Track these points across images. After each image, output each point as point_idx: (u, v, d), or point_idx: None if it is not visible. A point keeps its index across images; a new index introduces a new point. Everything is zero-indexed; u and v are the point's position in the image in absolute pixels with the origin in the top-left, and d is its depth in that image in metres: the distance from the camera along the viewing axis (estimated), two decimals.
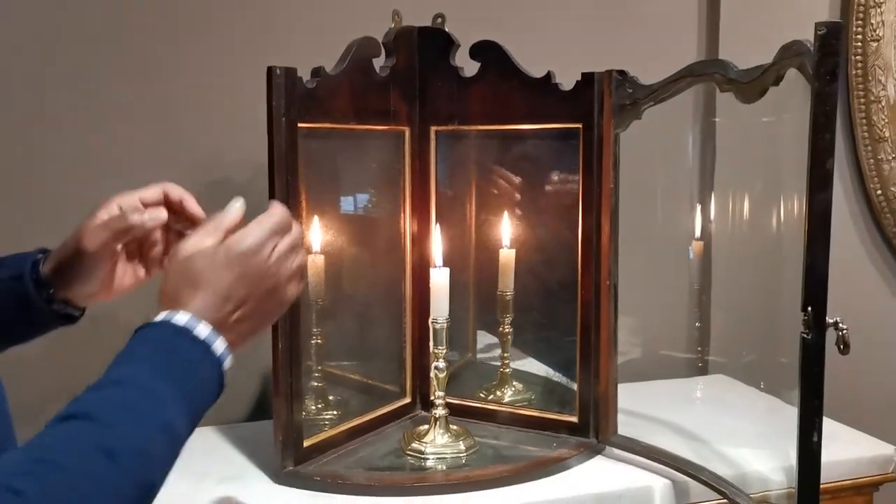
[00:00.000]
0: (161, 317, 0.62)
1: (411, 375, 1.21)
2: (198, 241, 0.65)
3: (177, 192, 0.78)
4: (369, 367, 1.23)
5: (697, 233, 1.32)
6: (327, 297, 1.14)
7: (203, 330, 0.61)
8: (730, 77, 0.87)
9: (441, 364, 1.06)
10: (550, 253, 1.17)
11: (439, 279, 1.05)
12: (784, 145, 0.94)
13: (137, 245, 0.79)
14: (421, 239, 1.19)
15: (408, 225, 1.18)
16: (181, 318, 0.61)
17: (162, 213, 0.76)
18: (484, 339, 1.32)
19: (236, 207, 0.68)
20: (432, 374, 1.07)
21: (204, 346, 0.61)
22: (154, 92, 1.21)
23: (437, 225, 1.13)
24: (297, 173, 0.98)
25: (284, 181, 0.97)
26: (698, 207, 1.29)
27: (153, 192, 0.77)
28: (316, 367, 1.16)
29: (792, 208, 0.87)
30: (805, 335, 0.72)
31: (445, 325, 1.06)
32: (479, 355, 1.34)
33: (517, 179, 1.16)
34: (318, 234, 1.11)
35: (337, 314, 1.17)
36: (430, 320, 1.06)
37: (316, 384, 1.16)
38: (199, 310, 0.62)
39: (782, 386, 1.02)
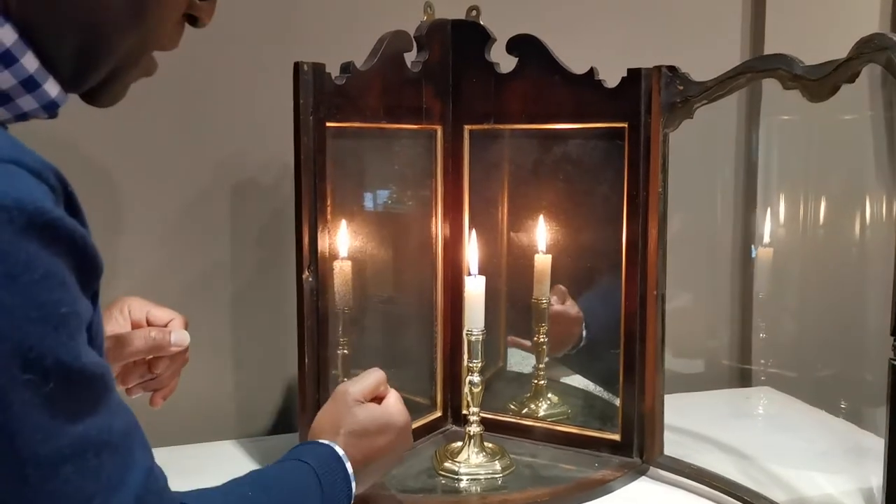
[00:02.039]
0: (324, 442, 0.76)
1: (442, 388, 1.16)
2: (358, 391, 0.82)
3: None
4: (398, 379, 1.15)
5: (766, 237, 1.24)
6: (354, 306, 1.08)
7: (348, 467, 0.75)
8: (796, 73, 0.80)
9: (476, 378, 1.00)
10: (591, 260, 1.11)
11: (475, 288, 0.99)
12: (858, 145, 0.87)
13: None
14: (453, 244, 1.13)
15: (440, 229, 1.12)
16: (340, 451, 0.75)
17: (186, 338, 0.83)
18: (516, 348, 1.26)
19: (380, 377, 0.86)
20: (466, 389, 1.01)
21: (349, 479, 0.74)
22: (176, 90, 1.16)
23: (473, 231, 1.07)
24: (325, 175, 0.92)
25: (312, 184, 0.91)
26: (768, 212, 1.22)
27: (163, 313, 0.84)
28: (342, 379, 1.10)
29: (876, 214, 0.79)
30: (895, 362, 0.65)
31: (481, 336, 1.00)
32: (511, 364, 1.28)
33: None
34: (345, 238, 1.05)
35: (364, 323, 1.11)
36: (464, 332, 1.00)
37: None
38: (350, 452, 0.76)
39: (860, 405, 0.94)
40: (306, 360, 0.92)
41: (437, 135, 1.10)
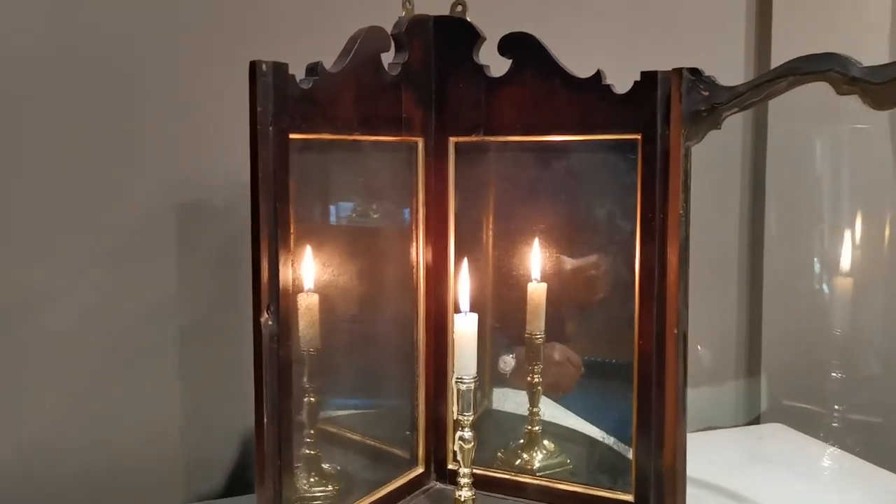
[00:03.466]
0: None
1: (425, 438, 1.01)
2: None
3: None
4: (374, 430, 1.01)
5: (846, 266, 1.10)
6: (323, 346, 0.93)
7: None
8: (853, 76, 0.67)
9: (467, 434, 0.86)
10: (597, 291, 0.97)
11: (466, 328, 0.85)
12: None
13: None
14: (437, 273, 0.98)
15: (421, 256, 0.98)
16: None
17: None
18: (505, 388, 1.12)
19: None
20: (456, 447, 0.86)
21: None
22: (116, 95, 1.00)
23: (464, 260, 0.92)
24: (287, 197, 0.77)
25: (272, 208, 0.76)
26: (846, 236, 1.08)
27: None
28: (308, 431, 0.95)
29: None
30: None
31: (473, 385, 0.85)
32: (497, 402, 1.13)
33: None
34: (311, 268, 0.90)
35: (334, 366, 0.96)
36: (453, 379, 0.86)
37: (308, 452, 0.94)
38: None
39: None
40: (265, 420, 0.77)
41: (418, 148, 0.96)
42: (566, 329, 1.05)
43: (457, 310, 0.86)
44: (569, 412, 1.07)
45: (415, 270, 0.98)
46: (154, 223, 1.03)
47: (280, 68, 0.76)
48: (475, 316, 0.85)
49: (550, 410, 1.05)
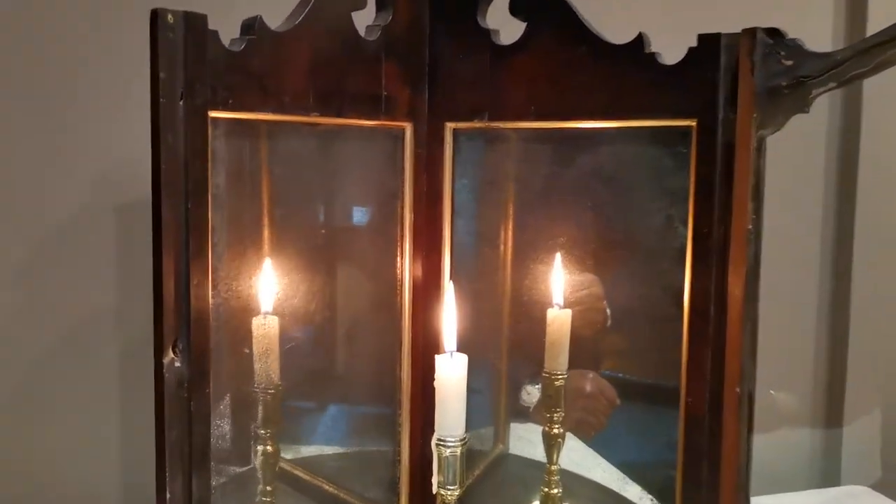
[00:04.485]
0: None
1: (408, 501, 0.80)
2: None
3: None
4: (344, 487, 0.82)
5: None
6: (282, 383, 0.73)
7: None
8: None
9: None
10: (631, 325, 0.76)
11: (450, 373, 0.64)
12: None
13: None
14: (427, 293, 0.78)
15: (407, 274, 0.77)
16: None
17: None
18: (519, 429, 0.92)
19: None
20: None
21: None
22: (35, 77, 0.84)
23: (450, 283, 0.71)
24: (204, 195, 0.57)
25: (181, 210, 0.56)
26: None
27: None
28: (264, 488, 0.76)
29: None
30: None
31: (460, 448, 0.64)
32: (515, 447, 0.94)
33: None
34: (270, 285, 0.70)
35: (297, 409, 0.77)
36: (433, 440, 0.65)
37: None
38: None
39: None
40: (167, 495, 0.57)
41: (404, 136, 0.75)
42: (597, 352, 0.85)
43: (442, 351, 0.65)
44: (598, 457, 0.87)
45: (399, 290, 0.77)
46: (85, 226, 0.86)
47: (195, 21, 0.56)
48: (463, 358, 0.64)
49: (576, 457, 0.86)
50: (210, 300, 0.59)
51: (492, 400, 0.92)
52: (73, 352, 0.87)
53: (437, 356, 0.65)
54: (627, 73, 0.66)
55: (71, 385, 0.88)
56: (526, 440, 0.94)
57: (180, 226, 0.56)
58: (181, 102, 0.55)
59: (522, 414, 0.92)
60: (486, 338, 0.84)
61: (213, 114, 0.57)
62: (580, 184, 0.76)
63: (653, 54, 0.66)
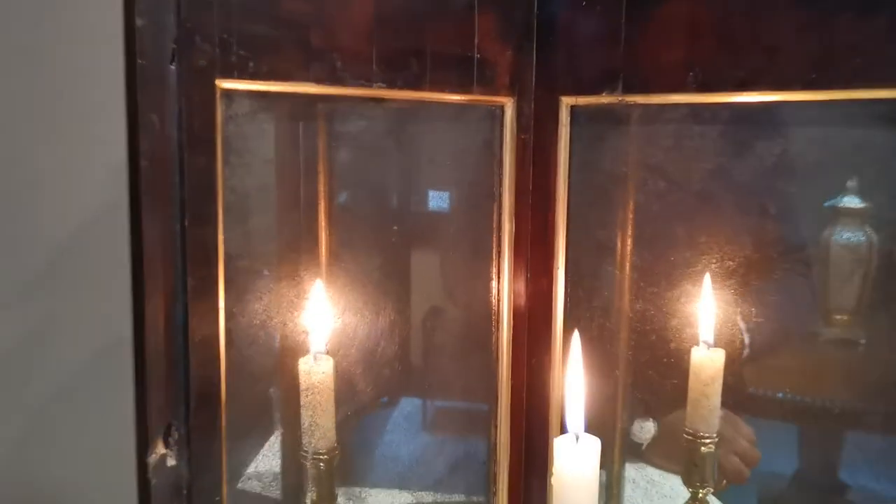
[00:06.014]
0: None
1: None
2: None
3: None
4: None
5: None
6: (339, 443, 0.55)
7: None
8: None
9: None
10: (825, 378, 0.55)
11: (575, 465, 0.44)
12: None
13: None
14: (534, 330, 0.58)
15: (506, 303, 0.57)
16: None
17: None
18: (638, 463, 0.74)
19: None
20: None
21: None
22: None
23: (576, 333, 0.50)
24: (212, 209, 0.39)
25: (172, 232, 0.38)
26: None
27: None
28: None
29: None
30: None
31: None
32: (630, 493, 0.76)
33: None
34: (321, 316, 0.52)
35: (355, 472, 0.59)
36: None
37: None
38: None
39: None
40: None
41: (503, 116, 0.55)
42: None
43: (564, 430, 0.45)
44: None
45: (495, 326, 0.58)
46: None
47: None
48: (595, 443, 0.44)
49: None
50: (223, 359, 0.40)
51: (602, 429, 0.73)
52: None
53: (555, 439, 0.45)
54: (840, 21, 0.44)
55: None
56: (641, 489, 0.74)
57: (172, 252, 0.38)
58: (172, 66, 0.37)
59: (634, 451, 0.72)
60: (608, 389, 0.64)
61: (224, 83, 0.39)
62: (755, 181, 0.54)
63: None
